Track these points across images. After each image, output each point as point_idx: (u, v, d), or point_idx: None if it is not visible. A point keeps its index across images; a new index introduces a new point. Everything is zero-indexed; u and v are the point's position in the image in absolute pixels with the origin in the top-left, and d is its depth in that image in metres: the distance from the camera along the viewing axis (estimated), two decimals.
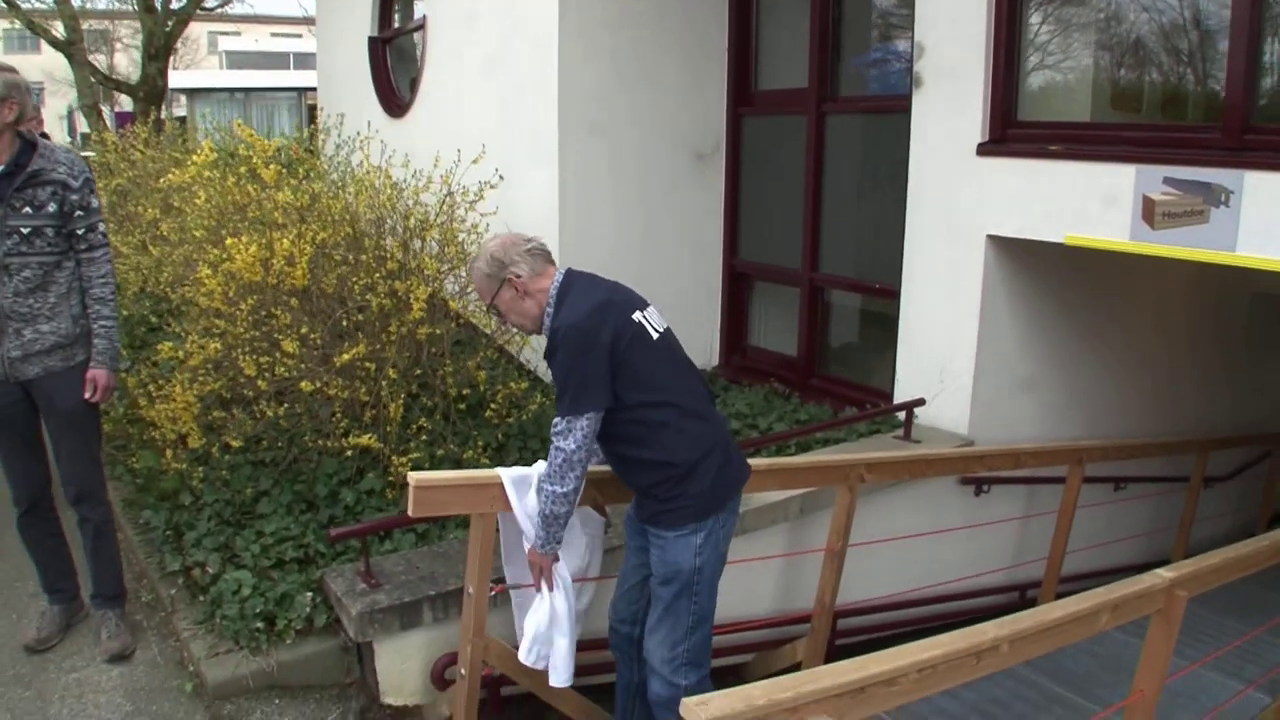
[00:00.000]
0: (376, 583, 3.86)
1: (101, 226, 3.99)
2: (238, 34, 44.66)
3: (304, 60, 35.40)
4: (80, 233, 3.91)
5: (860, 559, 4.54)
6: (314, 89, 22.68)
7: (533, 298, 3.27)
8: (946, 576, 5.26)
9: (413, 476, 3.15)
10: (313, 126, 9.48)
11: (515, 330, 5.20)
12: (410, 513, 3.18)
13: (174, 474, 4.99)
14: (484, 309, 3.57)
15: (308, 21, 21.25)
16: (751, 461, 4.37)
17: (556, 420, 3.14)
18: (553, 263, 3.33)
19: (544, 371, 5.79)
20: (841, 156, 6.25)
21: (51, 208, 3.83)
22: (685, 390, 3.36)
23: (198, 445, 4.94)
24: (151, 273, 6.58)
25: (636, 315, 3.27)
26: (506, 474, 3.30)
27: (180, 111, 28.29)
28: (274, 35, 46.11)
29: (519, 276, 3.24)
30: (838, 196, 6.25)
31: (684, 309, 6.71)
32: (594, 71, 6.25)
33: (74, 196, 3.86)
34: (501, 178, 5.39)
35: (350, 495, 4.68)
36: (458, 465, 4.76)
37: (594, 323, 3.12)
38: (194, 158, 5.27)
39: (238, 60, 38.96)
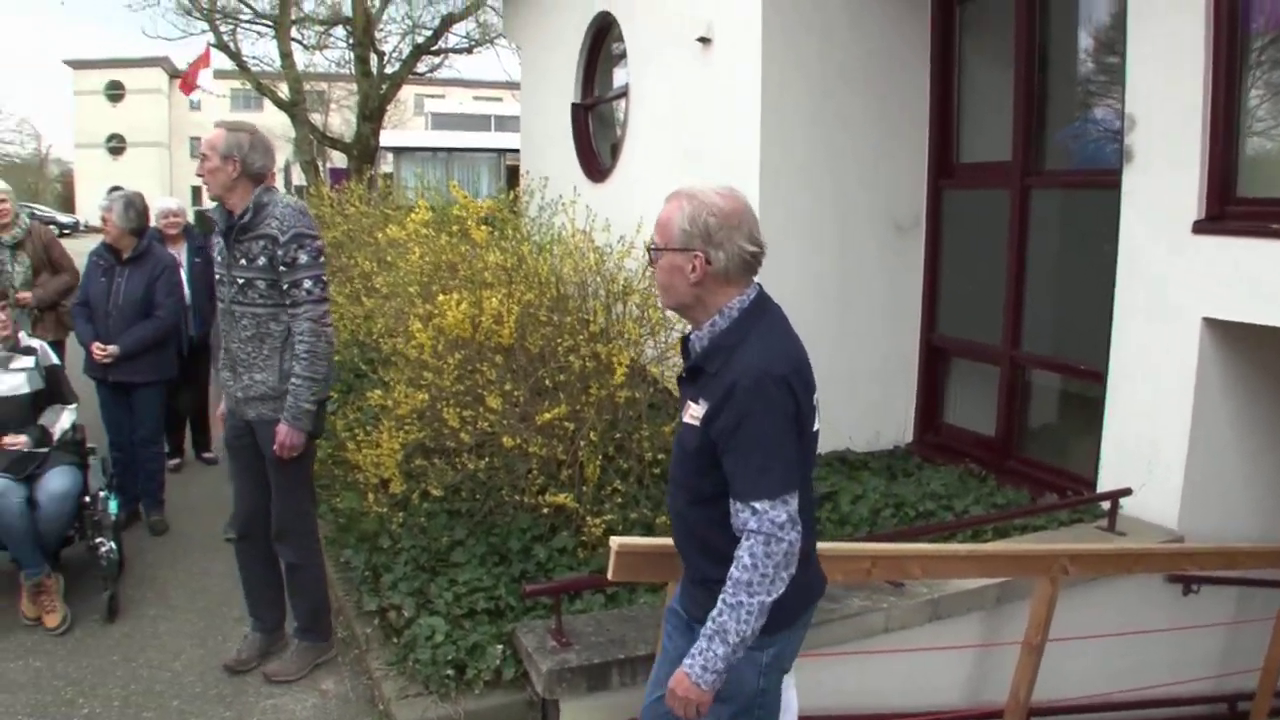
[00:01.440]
0: (567, 641, 3.89)
1: (307, 284, 4.01)
2: (442, 96, 46.69)
3: (504, 123, 36.64)
4: (285, 287, 4.01)
5: (1055, 654, 4.34)
6: (513, 150, 23.38)
7: (703, 292, 2.60)
8: (1148, 680, 4.98)
9: (614, 541, 3.17)
10: (515, 190, 9.77)
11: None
12: (610, 576, 3.19)
13: (375, 517, 5.18)
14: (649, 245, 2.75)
15: (510, 86, 22.10)
16: (948, 546, 4.27)
17: (760, 505, 2.45)
18: (753, 277, 2.64)
19: None
20: (1045, 232, 6.08)
21: (261, 261, 3.99)
22: (810, 489, 2.78)
23: (399, 491, 5.11)
24: (363, 323, 6.87)
25: (816, 394, 2.68)
26: None
27: (386, 168, 29.64)
28: (476, 98, 47.97)
29: (709, 264, 2.55)
30: (1041, 273, 6.08)
31: (879, 382, 6.64)
32: (796, 141, 6.28)
33: (279, 251, 3.97)
34: None
35: (543, 552, 4.76)
36: (649, 530, 4.78)
37: (797, 381, 2.53)
38: (411, 215, 5.52)
39: (442, 121, 40.53)
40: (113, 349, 5.98)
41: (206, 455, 7.85)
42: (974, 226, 6.58)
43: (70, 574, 5.33)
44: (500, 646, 4.13)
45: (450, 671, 4.08)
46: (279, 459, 4.16)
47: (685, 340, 2.74)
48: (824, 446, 6.31)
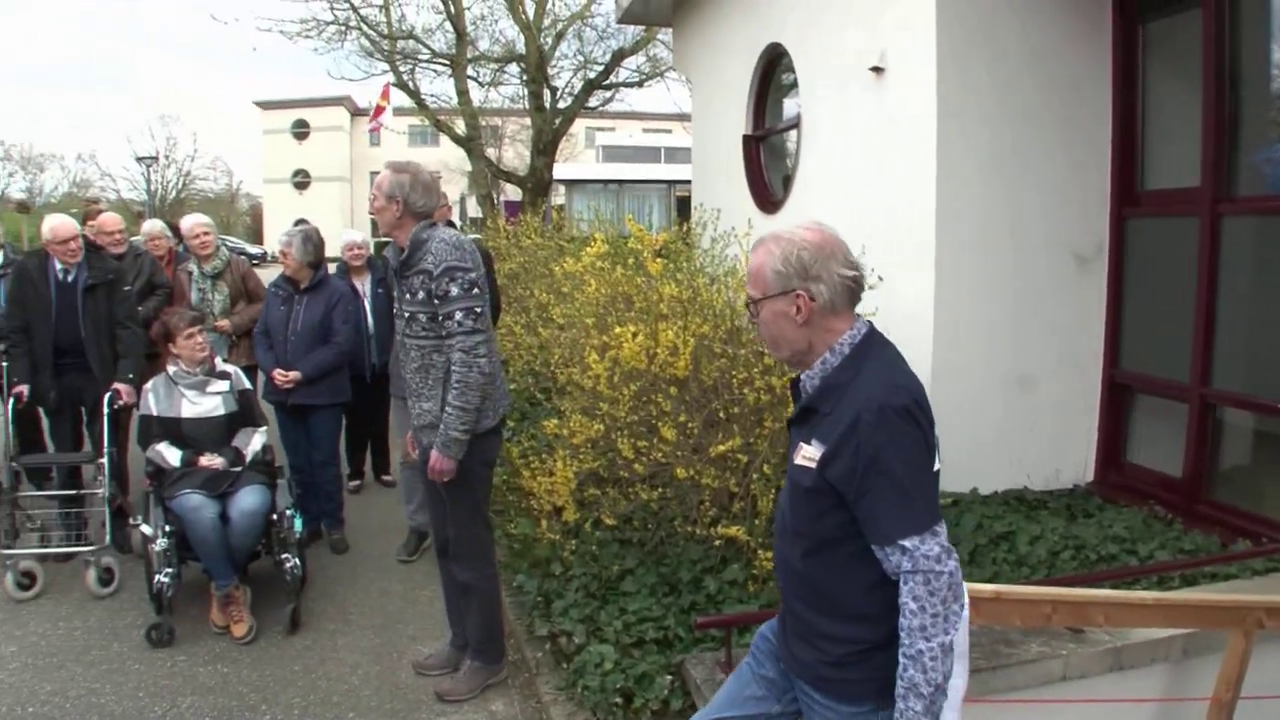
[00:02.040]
0: None
1: (458, 315, 4.08)
2: (612, 129, 47.49)
3: (673, 154, 37.03)
4: (439, 319, 4.13)
5: (1247, 713, 4.09)
6: (683, 181, 23.47)
7: (813, 332, 2.48)
8: None
9: None
10: (685, 222, 9.83)
11: None
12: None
13: (547, 543, 5.27)
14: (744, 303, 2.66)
15: (679, 118, 22.35)
16: (1133, 594, 4.09)
17: (910, 542, 2.31)
18: (855, 306, 2.53)
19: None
20: (1238, 261, 5.78)
21: (421, 295, 4.14)
22: None
23: (572, 519, 5.19)
24: (539, 352, 7.02)
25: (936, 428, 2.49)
26: None
27: (558, 200, 30.27)
28: (645, 130, 48.61)
29: (813, 299, 2.44)
30: (1233, 305, 5.77)
31: (1058, 418, 6.42)
32: (972, 169, 6.15)
33: (433, 285, 4.10)
34: (880, 279, 5.37)
35: (713, 583, 4.76)
36: None
37: (919, 412, 2.38)
38: (587, 249, 5.61)
39: (612, 154, 41.19)
40: (294, 375, 6.30)
41: (385, 478, 8.14)
42: (1160, 256, 6.31)
43: (256, 587, 5.62)
44: (669, 677, 4.15)
45: (618, 699, 4.12)
46: (445, 484, 4.31)
47: (795, 382, 2.60)
48: (1000, 484, 6.20)
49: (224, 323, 7.21)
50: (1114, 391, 6.52)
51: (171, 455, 5.52)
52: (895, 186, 6.58)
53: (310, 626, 5.43)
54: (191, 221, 7.49)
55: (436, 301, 4.11)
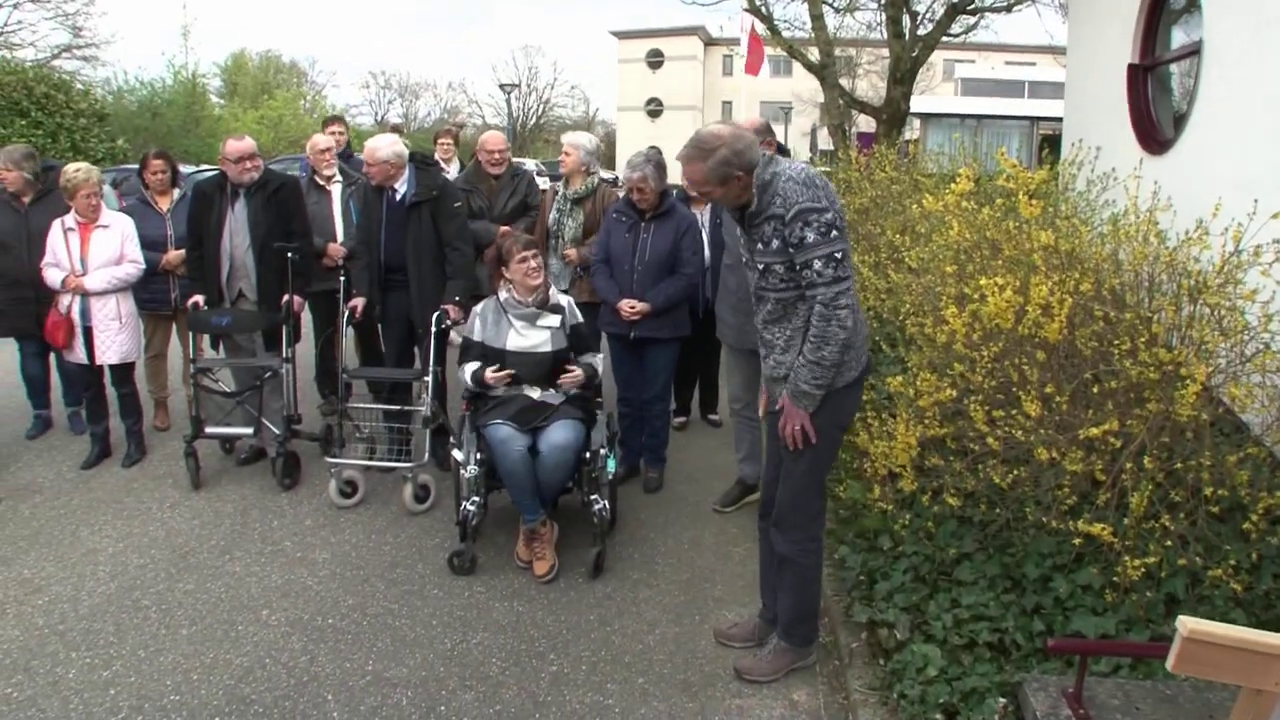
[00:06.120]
0: (1086, 714, 3.22)
1: (817, 264, 3.58)
2: (973, 61, 45.19)
3: (1037, 89, 34.78)
4: (797, 268, 3.67)
5: None
6: (1048, 118, 21.80)
7: None
8: None
9: (1184, 623, 2.36)
10: (1052, 162, 8.77)
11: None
12: (1170, 665, 2.40)
13: (877, 514, 4.73)
14: None
15: (1047, 50, 20.61)
16: None
17: None
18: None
19: None
20: None
21: (775, 244, 3.67)
22: None
23: (909, 489, 4.61)
24: (888, 297, 6.39)
25: None
26: None
27: (912, 135, 29.05)
28: (1008, 63, 46.00)
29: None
30: None
31: None
32: None
33: (786, 231, 3.63)
34: None
35: (1063, 585, 4.02)
36: (1195, 582, 3.91)
37: None
38: (952, 186, 4.90)
39: (972, 87, 39.21)
40: (643, 306, 5.96)
41: (712, 417, 7.82)
42: None
43: (564, 523, 5.47)
44: (1002, 700, 3.53)
45: (939, 716, 3.57)
46: (788, 443, 3.88)
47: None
48: None
49: (571, 252, 6.80)
50: None
51: (470, 368, 5.39)
52: None
53: (613, 572, 5.18)
54: (566, 138, 7.17)
55: (792, 249, 3.63)
